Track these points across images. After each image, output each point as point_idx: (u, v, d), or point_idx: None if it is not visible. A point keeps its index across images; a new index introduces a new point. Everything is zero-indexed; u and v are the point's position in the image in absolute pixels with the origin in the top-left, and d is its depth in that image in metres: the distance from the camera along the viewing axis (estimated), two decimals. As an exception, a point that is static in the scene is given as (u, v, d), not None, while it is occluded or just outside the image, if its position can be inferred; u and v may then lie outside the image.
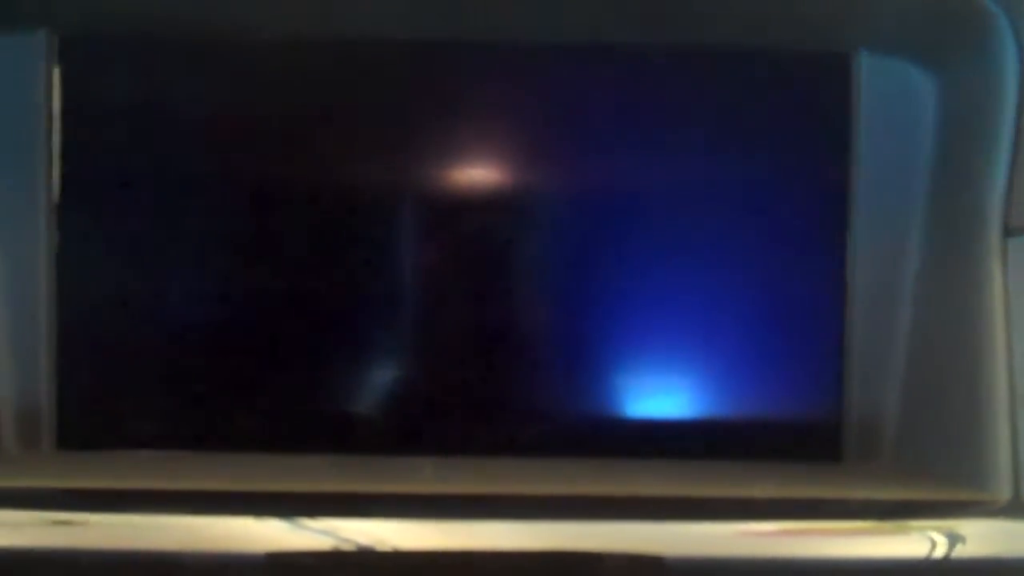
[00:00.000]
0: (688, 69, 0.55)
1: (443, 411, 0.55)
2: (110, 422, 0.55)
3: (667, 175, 0.55)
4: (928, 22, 0.50)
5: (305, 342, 0.55)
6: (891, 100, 0.54)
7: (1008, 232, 0.49)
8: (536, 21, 0.53)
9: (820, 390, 0.56)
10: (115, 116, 0.54)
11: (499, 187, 0.55)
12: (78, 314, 0.54)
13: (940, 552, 0.45)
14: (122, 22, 0.53)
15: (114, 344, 0.55)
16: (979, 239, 0.50)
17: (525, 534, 0.45)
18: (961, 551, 0.45)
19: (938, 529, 0.46)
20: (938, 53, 0.52)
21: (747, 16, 0.53)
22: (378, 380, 0.55)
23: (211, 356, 0.55)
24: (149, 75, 0.54)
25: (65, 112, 0.54)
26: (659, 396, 0.56)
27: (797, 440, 0.56)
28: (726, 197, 0.55)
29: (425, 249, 0.55)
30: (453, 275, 0.55)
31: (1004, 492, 0.48)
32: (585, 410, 0.56)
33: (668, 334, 0.56)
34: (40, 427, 0.54)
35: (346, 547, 0.44)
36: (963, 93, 0.52)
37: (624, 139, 0.55)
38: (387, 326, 0.55)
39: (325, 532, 0.44)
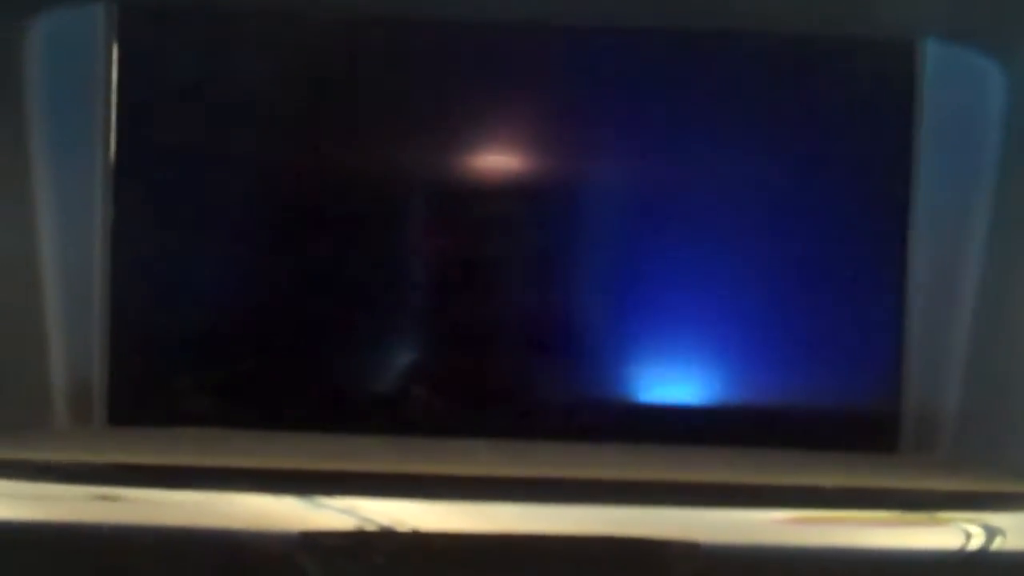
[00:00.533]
0: (746, 56, 0.55)
1: (494, 396, 0.55)
2: (160, 399, 0.54)
3: (726, 164, 0.55)
4: (998, 10, 0.50)
5: (358, 323, 0.55)
6: (958, 91, 0.54)
7: None
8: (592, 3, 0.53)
9: (878, 380, 0.55)
10: (172, 91, 0.54)
11: (552, 177, 0.55)
12: (131, 291, 0.54)
13: (994, 543, 0.45)
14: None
15: (166, 321, 0.54)
16: None
17: (589, 518, 0.45)
18: (1011, 544, 0.46)
19: (987, 521, 0.46)
20: (1009, 43, 0.52)
21: (810, 3, 0.52)
22: (428, 362, 0.55)
23: (262, 334, 0.55)
24: (206, 49, 0.54)
25: (121, 86, 0.53)
26: (718, 384, 0.56)
27: (853, 430, 0.55)
28: (785, 185, 0.55)
29: (473, 234, 0.55)
30: (502, 262, 0.55)
31: None
32: (645, 397, 0.56)
33: (729, 324, 0.55)
34: (92, 403, 0.53)
35: (393, 527, 0.44)
36: None
37: (682, 127, 0.55)
38: (438, 310, 0.55)
39: (372, 512, 0.45)
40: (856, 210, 0.55)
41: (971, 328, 0.53)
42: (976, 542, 0.45)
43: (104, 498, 0.45)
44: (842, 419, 0.55)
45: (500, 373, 0.55)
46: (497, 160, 0.55)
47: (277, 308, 0.55)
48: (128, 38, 0.53)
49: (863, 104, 0.55)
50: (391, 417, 0.55)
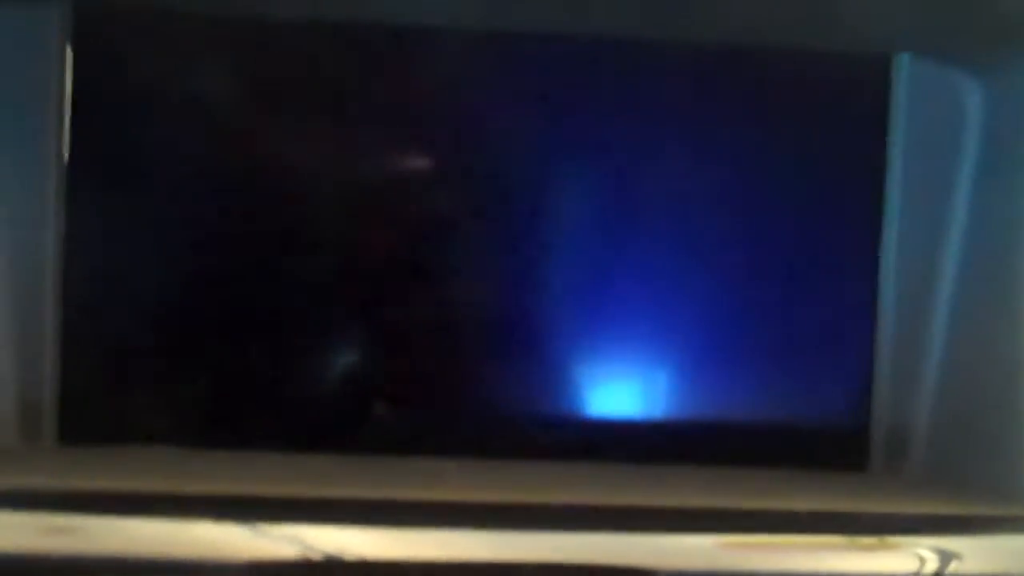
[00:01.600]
0: (723, 68, 0.55)
1: (455, 413, 0.55)
2: (111, 416, 0.54)
3: (698, 177, 0.56)
4: (974, 26, 0.51)
5: (314, 337, 0.55)
6: (933, 106, 0.55)
7: None
8: (575, 13, 0.53)
9: (849, 399, 0.56)
10: (126, 96, 0.53)
11: (519, 189, 0.55)
12: (83, 302, 0.53)
13: (949, 567, 0.45)
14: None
15: (118, 335, 0.54)
16: (1018, 249, 0.50)
17: (557, 543, 0.45)
18: (967, 567, 0.45)
19: (943, 545, 0.46)
20: (981, 58, 0.53)
21: (785, 16, 0.52)
22: (392, 378, 0.55)
23: (214, 349, 0.54)
24: (161, 53, 0.53)
25: (76, 90, 0.53)
26: (687, 402, 0.56)
27: (824, 448, 0.56)
28: (758, 200, 0.56)
29: (435, 249, 0.55)
30: (465, 276, 0.55)
31: None
32: (613, 414, 0.56)
33: (698, 341, 0.56)
34: (42, 420, 0.53)
35: (329, 556, 0.44)
36: (1006, 100, 0.52)
37: (654, 138, 0.55)
38: (399, 324, 0.55)
39: (319, 540, 0.44)
40: (828, 226, 0.56)
41: (942, 348, 0.54)
42: (930, 567, 0.45)
43: (50, 528, 0.43)
44: (813, 437, 0.56)
45: (458, 389, 0.56)
46: (460, 170, 0.55)
47: (230, 322, 0.54)
48: (81, 38, 0.53)
49: (838, 117, 0.56)
50: (348, 434, 0.55)
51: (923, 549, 0.45)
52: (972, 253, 0.53)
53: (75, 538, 0.43)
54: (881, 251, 0.56)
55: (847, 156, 0.56)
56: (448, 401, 0.56)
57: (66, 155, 0.53)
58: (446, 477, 0.52)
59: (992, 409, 0.51)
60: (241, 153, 0.54)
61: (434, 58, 0.55)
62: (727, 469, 0.55)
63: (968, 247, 0.54)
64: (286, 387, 0.55)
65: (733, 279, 0.56)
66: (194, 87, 0.54)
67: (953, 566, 0.45)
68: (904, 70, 0.55)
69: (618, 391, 0.56)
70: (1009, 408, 0.50)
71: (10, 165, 0.51)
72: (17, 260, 0.52)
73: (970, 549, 0.46)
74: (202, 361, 0.54)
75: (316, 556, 0.44)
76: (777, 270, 0.56)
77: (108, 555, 0.43)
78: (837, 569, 0.46)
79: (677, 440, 0.56)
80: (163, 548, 0.43)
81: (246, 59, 0.54)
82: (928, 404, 0.54)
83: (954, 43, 0.53)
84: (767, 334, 0.56)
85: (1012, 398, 0.50)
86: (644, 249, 0.55)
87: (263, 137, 0.54)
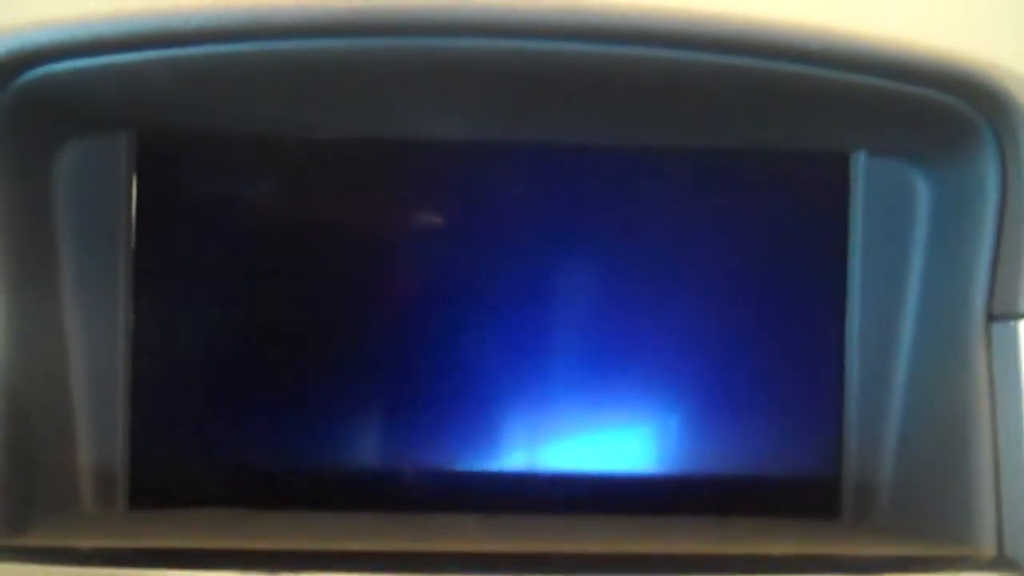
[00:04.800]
0: (693, 167, 0.59)
1: (471, 472, 0.60)
2: (175, 483, 0.59)
3: (679, 258, 0.60)
4: (919, 128, 0.53)
5: (351, 411, 0.59)
6: (887, 197, 0.58)
7: (991, 317, 0.52)
8: (554, 124, 0.57)
9: (821, 453, 0.59)
10: (186, 208, 0.59)
11: (514, 268, 0.60)
12: (148, 386, 0.58)
13: None
14: (194, 122, 0.57)
15: (182, 412, 0.59)
16: (966, 323, 0.53)
17: None
18: None
19: None
20: (929, 155, 0.56)
21: (753, 120, 0.56)
22: (414, 441, 0.60)
23: (262, 423, 0.59)
24: (216, 169, 0.59)
25: (140, 203, 0.58)
26: (667, 455, 0.60)
27: (798, 498, 0.59)
28: (734, 280, 0.59)
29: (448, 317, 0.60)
30: (472, 335, 0.60)
31: (989, 548, 0.52)
32: (583, 468, 0.60)
33: (676, 399, 0.60)
34: (115, 488, 0.58)
35: None
36: (952, 191, 0.55)
37: (638, 232, 0.60)
38: (425, 393, 0.60)
39: None
40: (798, 304, 0.60)
41: (902, 408, 0.58)
42: None
43: None
44: (789, 487, 0.59)
45: (460, 447, 0.60)
46: (477, 262, 0.60)
47: (273, 399, 0.59)
48: (145, 163, 0.58)
49: (804, 208, 0.59)
50: (378, 495, 0.59)
51: None
52: (925, 324, 0.56)
53: None
54: (846, 324, 0.59)
55: (814, 241, 0.59)
56: (463, 461, 0.60)
57: (132, 261, 0.58)
58: (465, 530, 0.56)
59: (946, 460, 0.53)
60: (280, 248, 0.59)
61: (448, 165, 0.59)
62: (710, 519, 0.58)
63: (921, 319, 0.57)
64: (323, 454, 0.59)
65: (715, 352, 0.59)
66: (241, 196, 0.59)
67: None
68: (861, 166, 0.59)
69: (610, 450, 0.60)
70: (961, 460, 0.52)
71: (86, 269, 0.56)
72: (93, 348, 0.57)
73: None
74: (250, 434, 0.59)
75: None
76: (754, 344, 0.59)
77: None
78: None
79: (669, 492, 0.59)
80: None
81: (288, 171, 0.59)
82: (892, 457, 0.57)
83: (904, 141, 0.56)
84: (747, 398, 0.59)
85: (962, 451, 0.52)
86: (634, 326, 0.59)
87: (302, 233, 0.59)
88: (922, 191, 0.57)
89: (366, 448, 0.60)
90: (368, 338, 0.59)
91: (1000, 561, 0.51)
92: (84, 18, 0.48)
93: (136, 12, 0.48)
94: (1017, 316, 0.51)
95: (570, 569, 0.50)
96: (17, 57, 0.48)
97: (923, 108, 0.51)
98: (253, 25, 0.47)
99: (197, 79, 0.50)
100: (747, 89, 0.51)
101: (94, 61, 0.49)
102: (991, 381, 0.52)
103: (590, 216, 0.59)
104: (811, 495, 0.59)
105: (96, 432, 0.57)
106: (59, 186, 0.56)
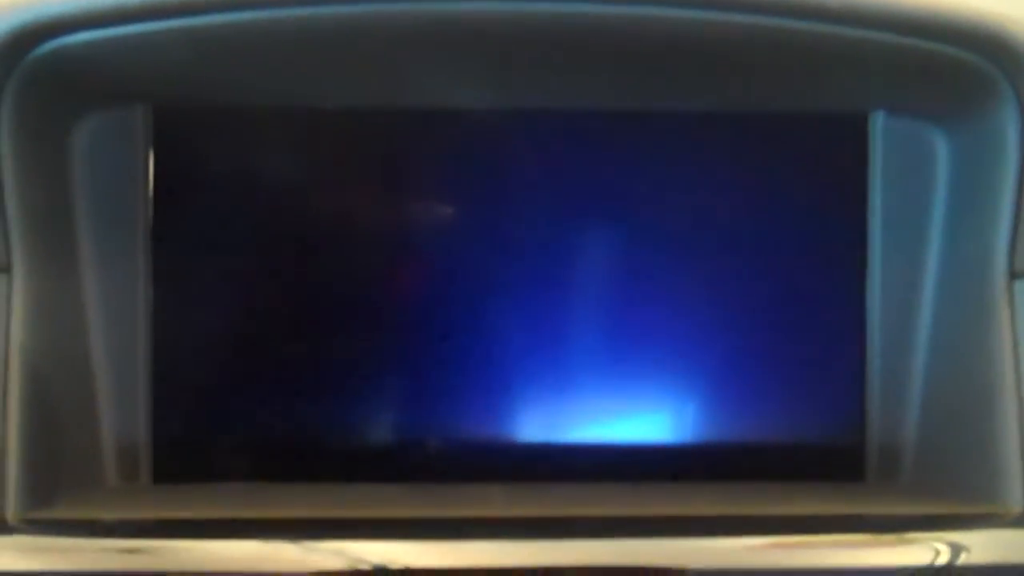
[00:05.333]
0: (711, 131, 0.59)
1: (496, 443, 0.60)
2: (198, 457, 0.59)
3: (695, 221, 0.60)
4: (938, 86, 0.53)
5: (373, 383, 0.59)
6: (906, 157, 0.58)
7: (1013, 275, 0.53)
8: (572, 89, 0.57)
9: (845, 416, 0.59)
10: (203, 181, 0.59)
11: (526, 235, 0.60)
12: (170, 362, 0.59)
13: (960, 558, 0.49)
14: (209, 94, 0.57)
15: (203, 387, 0.59)
16: (988, 281, 0.53)
17: (594, 549, 0.49)
18: (975, 558, 0.49)
19: (952, 539, 0.50)
20: (948, 114, 0.56)
21: (772, 82, 0.56)
22: (439, 414, 0.60)
23: (284, 396, 0.59)
24: (231, 140, 0.59)
25: (158, 177, 0.58)
26: (696, 422, 0.60)
27: (823, 461, 0.59)
28: (756, 246, 0.59)
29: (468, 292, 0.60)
30: (495, 311, 0.60)
31: (1016, 506, 0.52)
32: (608, 437, 0.60)
33: (704, 367, 0.60)
34: (139, 463, 0.58)
35: (376, 566, 0.48)
36: (972, 150, 0.55)
37: (658, 198, 0.60)
38: (448, 365, 0.60)
39: (352, 552, 0.48)
40: (820, 267, 0.59)
41: (924, 369, 0.58)
42: (943, 558, 0.49)
43: (121, 550, 0.49)
44: (813, 452, 0.59)
45: (483, 418, 0.60)
46: (496, 227, 0.60)
47: (296, 371, 0.59)
48: (162, 135, 0.58)
49: (824, 169, 0.59)
50: (404, 465, 0.59)
51: (937, 543, 0.49)
52: (946, 284, 0.56)
53: (153, 557, 0.48)
54: (867, 286, 0.59)
55: (833, 203, 0.59)
56: (486, 431, 0.60)
57: (150, 234, 0.58)
58: (490, 499, 0.56)
59: (971, 421, 0.54)
60: (297, 220, 0.59)
61: (459, 134, 0.59)
62: (734, 484, 0.58)
63: (943, 279, 0.57)
64: (345, 426, 0.59)
65: (740, 318, 0.59)
66: (258, 168, 0.59)
67: (963, 557, 0.49)
68: (879, 126, 0.58)
69: (638, 419, 0.60)
70: (986, 419, 0.53)
71: (105, 242, 0.57)
72: (113, 325, 0.57)
73: (974, 542, 0.50)
74: (272, 407, 0.59)
75: (364, 567, 0.48)
76: (778, 309, 0.59)
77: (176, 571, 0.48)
78: (865, 562, 0.49)
79: (695, 460, 0.59)
80: (227, 565, 0.48)
81: (304, 143, 0.59)
82: (915, 419, 0.58)
83: (923, 100, 0.56)
84: (771, 365, 0.59)
85: (987, 411, 0.53)
86: (658, 294, 0.59)
87: (321, 205, 0.59)
88: (941, 150, 0.57)
89: (388, 420, 0.60)
90: (390, 310, 0.59)
91: (1025, 517, 0.51)
92: (97, -11, 0.48)
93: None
94: (1039, 274, 0.51)
95: (597, 533, 0.50)
96: (32, 30, 0.49)
97: (942, 66, 0.51)
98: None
99: (212, 50, 0.51)
100: (765, 49, 0.51)
101: (107, 32, 0.49)
102: (1014, 339, 0.53)
103: (608, 183, 0.59)
104: (835, 459, 0.60)
105: (118, 408, 0.57)
106: (76, 161, 0.56)
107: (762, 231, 0.60)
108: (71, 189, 0.56)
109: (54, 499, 0.52)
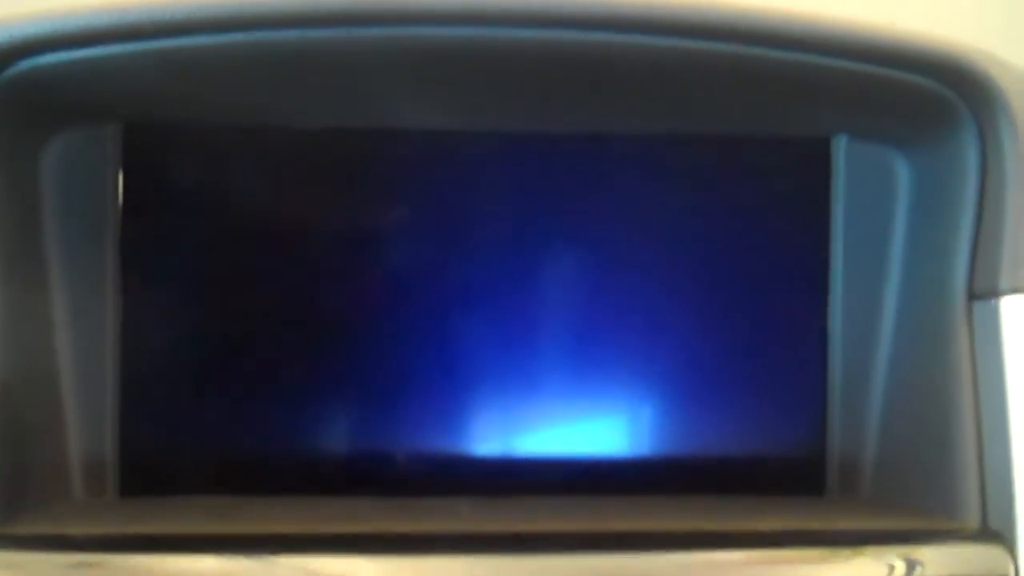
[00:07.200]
0: (674, 154, 0.60)
1: (463, 457, 0.60)
2: (164, 472, 0.59)
3: (659, 242, 0.60)
4: (900, 111, 0.54)
5: (338, 400, 0.60)
6: (867, 179, 0.59)
7: (972, 296, 0.53)
8: (537, 112, 0.58)
9: (806, 431, 0.60)
10: (173, 200, 0.59)
11: (523, 259, 0.61)
12: (137, 378, 0.59)
13: (915, 573, 0.49)
14: (180, 114, 0.58)
15: (170, 402, 0.59)
16: (947, 301, 0.54)
17: (556, 565, 0.49)
18: (929, 572, 0.50)
19: (908, 554, 0.50)
20: (909, 138, 0.57)
21: (735, 106, 0.57)
22: (403, 427, 0.60)
23: (250, 412, 0.60)
24: (201, 159, 0.59)
25: (127, 195, 0.58)
26: (652, 435, 0.61)
27: (784, 476, 0.60)
28: (719, 263, 0.60)
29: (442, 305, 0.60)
30: (466, 323, 0.60)
31: (973, 521, 0.52)
32: (573, 450, 0.60)
33: (659, 374, 0.60)
34: (105, 477, 0.58)
35: None
36: (932, 174, 0.56)
37: (622, 220, 0.61)
38: (412, 380, 0.60)
39: (314, 569, 0.48)
40: (783, 285, 0.60)
41: (885, 384, 0.59)
42: (899, 572, 0.49)
43: (75, 565, 0.48)
44: (774, 466, 0.60)
45: (449, 432, 0.60)
46: (462, 246, 0.61)
47: (261, 387, 0.59)
48: (132, 154, 0.58)
49: (787, 191, 0.60)
50: (368, 480, 0.60)
51: (892, 558, 0.49)
52: (907, 304, 0.57)
53: (115, 572, 0.48)
54: (829, 305, 0.60)
55: (796, 224, 0.60)
56: (452, 446, 0.60)
57: (119, 250, 0.58)
58: (457, 513, 0.56)
59: (929, 437, 0.54)
60: (264, 237, 0.59)
61: (425, 155, 0.60)
62: (696, 498, 0.58)
63: (903, 299, 0.58)
64: (310, 440, 0.59)
65: (703, 336, 0.60)
66: (227, 187, 0.59)
67: (917, 571, 0.49)
68: (842, 150, 0.59)
69: (601, 433, 0.60)
70: (944, 436, 0.53)
71: (73, 259, 0.57)
72: (81, 340, 0.57)
73: (930, 557, 0.50)
74: (239, 421, 0.59)
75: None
76: (741, 327, 0.60)
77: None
78: None
79: (657, 473, 0.60)
80: None
81: (274, 162, 0.59)
82: (875, 435, 0.58)
83: (885, 125, 0.57)
84: (733, 380, 0.60)
85: (945, 427, 0.53)
86: (621, 313, 0.60)
87: (288, 223, 0.60)
88: (903, 174, 0.58)
89: (353, 435, 0.60)
90: (355, 325, 0.60)
91: (984, 532, 0.52)
92: (71, 10, 0.48)
93: (123, 4, 0.48)
94: (997, 294, 0.52)
95: (562, 548, 0.50)
96: (4, 49, 0.48)
97: (904, 92, 0.52)
98: (237, 15, 0.48)
99: (183, 71, 0.51)
100: (728, 75, 0.52)
101: (81, 53, 0.49)
102: (973, 358, 0.53)
103: (572, 203, 0.60)
104: (796, 473, 0.60)
105: (85, 422, 0.57)
106: (47, 178, 0.56)
107: (726, 250, 0.60)
108: (41, 206, 0.56)
109: (20, 514, 0.52)
